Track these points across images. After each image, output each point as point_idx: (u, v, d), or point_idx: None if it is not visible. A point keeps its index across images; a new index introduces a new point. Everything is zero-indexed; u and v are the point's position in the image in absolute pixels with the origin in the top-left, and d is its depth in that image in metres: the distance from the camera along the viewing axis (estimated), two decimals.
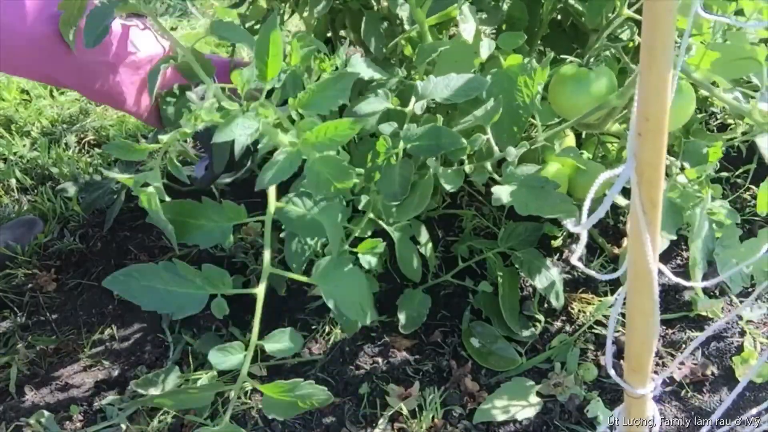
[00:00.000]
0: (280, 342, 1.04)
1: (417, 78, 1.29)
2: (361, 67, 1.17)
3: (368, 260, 1.16)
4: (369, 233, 1.21)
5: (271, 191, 1.09)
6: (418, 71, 1.29)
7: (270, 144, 0.97)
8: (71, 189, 1.73)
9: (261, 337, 1.06)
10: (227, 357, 1.02)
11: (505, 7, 1.30)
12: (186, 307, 1.02)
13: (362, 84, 1.21)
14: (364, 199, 1.20)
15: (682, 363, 1.33)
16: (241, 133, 0.90)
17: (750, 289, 1.46)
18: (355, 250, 1.16)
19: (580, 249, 0.57)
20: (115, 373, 1.38)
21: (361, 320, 1.08)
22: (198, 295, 1.02)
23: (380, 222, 1.23)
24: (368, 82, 1.20)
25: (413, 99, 1.15)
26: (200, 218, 1.10)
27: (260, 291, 1.04)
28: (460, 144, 1.10)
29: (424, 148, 1.11)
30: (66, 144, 1.94)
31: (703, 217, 1.13)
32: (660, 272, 0.62)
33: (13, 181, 1.83)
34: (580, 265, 0.61)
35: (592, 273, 0.63)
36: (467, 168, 1.17)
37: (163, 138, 0.95)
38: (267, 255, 1.06)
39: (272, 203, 1.08)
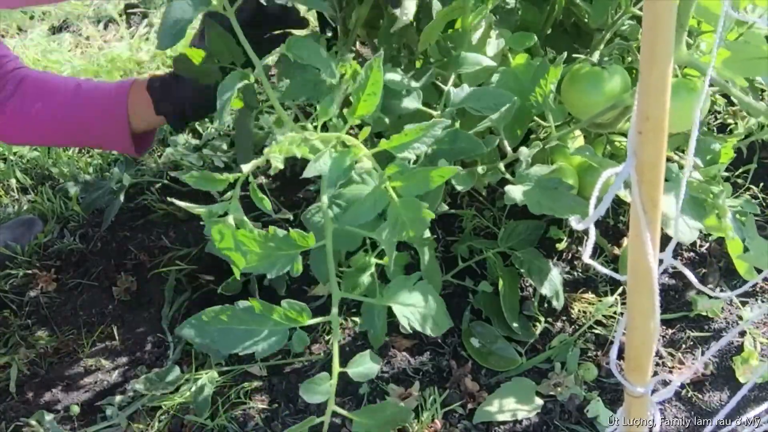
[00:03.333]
0: (362, 366, 1.03)
1: (448, 84, 1.26)
2: (394, 80, 1.16)
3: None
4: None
5: (327, 211, 1.03)
6: (446, 76, 1.27)
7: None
8: (71, 189, 1.73)
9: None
10: (316, 391, 0.99)
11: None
12: (269, 346, 0.98)
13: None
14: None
15: (682, 363, 1.33)
16: (334, 170, 0.90)
17: (750, 289, 1.46)
18: (380, 261, 1.15)
19: (590, 246, 0.57)
20: (115, 373, 1.38)
21: (435, 333, 1.09)
22: (279, 330, 0.98)
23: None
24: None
25: (442, 104, 1.15)
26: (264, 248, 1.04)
27: (334, 317, 1.03)
28: (479, 149, 1.10)
29: (443, 152, 1.11)
30: None
31: (728, 208, 1.12)
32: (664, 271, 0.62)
33: (13, 181, 1.83)
34: (593, 263, 0.61)
35: (609, 272, 0.63)
36: (479, 169, 1.17)
37: (245, 167, 0.93)
38: (333, 280, 1.04)
39: (330, 232, 1.01)
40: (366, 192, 0.98)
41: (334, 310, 1.01)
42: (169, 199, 1.09)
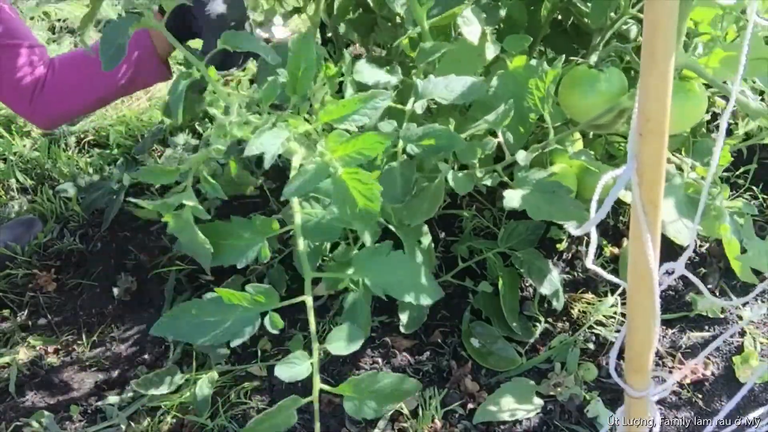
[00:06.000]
0: (340, 341, 1.00)
1: (416, 78, 1.28)
2: (367, 72, 1.16)
3: None
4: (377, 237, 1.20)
5: (295, 200, 1.06)
6: (417, 71, 1.29)
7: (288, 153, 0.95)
8: (71, 189, 1.73)
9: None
10: (293, 368, 0.97)
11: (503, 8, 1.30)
12: (240, 332, 0.98)
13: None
14: None
15: (682, 363, 1.33)
16: (271, 143, 0.88)
17: (750, 289, 1.46)
18: None
19: (592, 251, 0.57)
20: (115, 373, 1.38)
21: (426, 302, 1.04)
22: (249, 316, 0.98)
23: (389, 226, 1.22)
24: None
25: (412, 98, 1.14)
26: (230, 238, 1.06)
27: (308, 299, 1.02)
28: (460, 145, 1.09)
29: (425, 149, 1.11)
30: (66, 144, 1.94)
31: (725, 209, 1.12)
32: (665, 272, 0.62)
33: (13, 181, 1.83)
34: (596, 268, 0.61)
35: (607, 276, 0.63)
36: (478, 172, 1.16)
37: (194, 157, 0.93)
38: (305, 261, 1.03)
39: (297, 212, 1.04)
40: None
41: (308, 291, 1.01)
42: (128, 199, 1.09)
